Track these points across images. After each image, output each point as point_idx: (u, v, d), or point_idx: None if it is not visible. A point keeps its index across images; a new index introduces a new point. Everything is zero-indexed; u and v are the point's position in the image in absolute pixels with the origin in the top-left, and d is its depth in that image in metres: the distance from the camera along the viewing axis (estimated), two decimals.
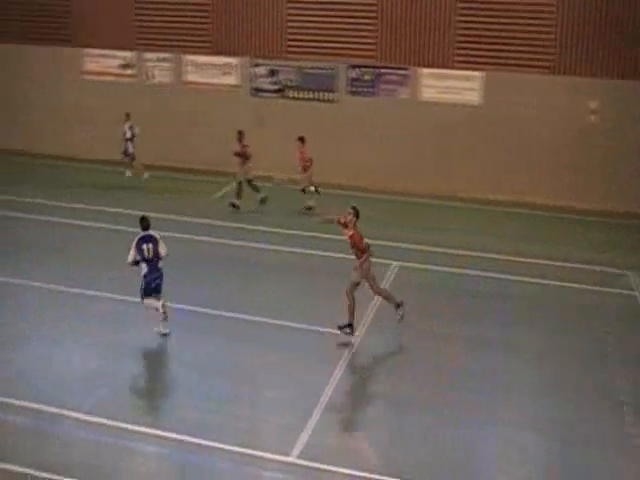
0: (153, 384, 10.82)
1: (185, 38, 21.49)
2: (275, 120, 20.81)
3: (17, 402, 9.93)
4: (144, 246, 11.79)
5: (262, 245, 15.87)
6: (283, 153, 20.21)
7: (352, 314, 11.90)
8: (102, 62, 22.26)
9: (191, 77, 21.63)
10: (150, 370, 11.17)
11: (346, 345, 11.88)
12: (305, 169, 18.20)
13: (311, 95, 20.74)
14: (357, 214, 11.95)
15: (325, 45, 20.44)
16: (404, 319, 12.36)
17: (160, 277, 11.91)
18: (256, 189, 18.35)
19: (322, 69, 20.57)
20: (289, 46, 20.78)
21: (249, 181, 18.25)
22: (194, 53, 21.50)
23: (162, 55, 21.80)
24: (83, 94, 22.13)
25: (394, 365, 11.52)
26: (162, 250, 11.91)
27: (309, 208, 18.25)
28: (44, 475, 8.54)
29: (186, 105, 21.34)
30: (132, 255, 11.77)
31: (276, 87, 21.02)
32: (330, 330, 12.05)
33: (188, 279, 13.78)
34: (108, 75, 22.23)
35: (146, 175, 19.95)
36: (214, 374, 10.88)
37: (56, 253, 15.17)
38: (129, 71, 22.15)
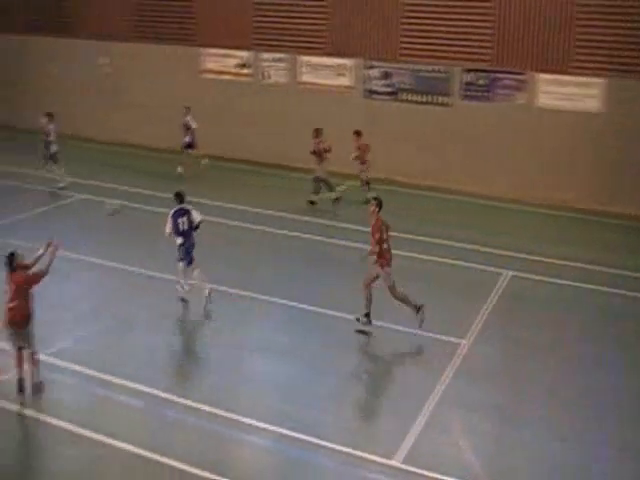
0: (261, 380, 11.01)
1: (301, 39, 21.77)
2: (388, 123, 20.80)
3: (131, 384, 10.39)
4: (179, 220, 12.72)
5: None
6: (396, 156, 20.23)
7: (369, 305, 11.96)
8: (220, 61, 22.88)
9: (306, 78, 21.91)
10: (260, 365, 11.36)
11: (365, 334, 11.97)
12: (362, 162, 18.64)
13: (425, 98, 20.57)
14: (380, 205, 11.94)
15: (440, 48, 20.24)
16: (512, 333, 12.16)
17: (193, 246, 12.79)
18: (330, 188, 18.55)
19: (436, 72, 20.38)
20: (403, 48, 20.70)
21: (324, 179, 18.48)
22: (309, 54, 21.76)
23: (278, 55, 22.18)
24: (201, 92, 22.78)
25: (501, 376, 11.29)
26: (197, 218, 12.81)
27: (312, 202, 18.35)
28: (156, 457, 8.89)
29: (300, 105, 21.62)
30: (168, 227, 12.79)
31: (389, 90, 20.98)
32: (432, 335, 11.97)
33: (289, 275, 13.98)
34: (226, 74, 22.82)
35: (206, 161, 20.57)
36: (320, 373, 10.99)
37: None
38: (245, 70, 22.66)
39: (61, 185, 19.17)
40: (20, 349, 10.17)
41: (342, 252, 15.52)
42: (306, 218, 17.59)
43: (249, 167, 21.69)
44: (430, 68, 20.41)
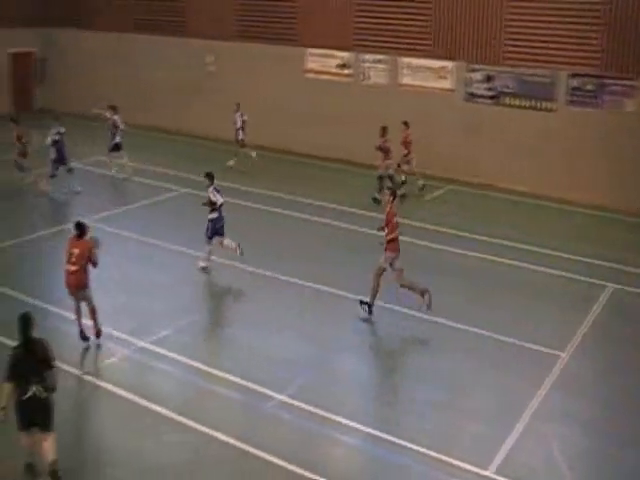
0: (355, 379, 11.07)
1: (402, 40, 21.73)
2: (489, 127, 20.52)
3: (229, 376, 10.63)
4: (218, 195, 14.04)
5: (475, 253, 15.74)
6: (496, 160, 19.93)
7: (374, 296, 12.41)
8: (322, 61, 23.09)
9: (406, 79, 21.85)
10: (354, 365, 11.43)
11: (365, 320, 12.36)
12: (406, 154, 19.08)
13: (528, 103, 20.17)
14: (394, 194, 12.88)
15: (545, 52, 19.79)
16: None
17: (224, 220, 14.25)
18: (380, 187, 18.53)
19: (541, 76, 19.94)
20: (507, 52, 20.36)
21: (390, 177, 18.60)
22: (410, 56, 21.69)
23: (378, 57, 22.21)
24: (302, 92, 23.05)
25: (599, 390, 10.97)
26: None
27: (375, 200, 18.21)
28: (251, 449, 9.09)
29: (399, 107, 21.55)
30: (219, 199, 14.12)
31: (491, 93, 20.68)
32: (532, 346, 11.75)
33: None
34: (327, 74, 23.03)
35: (254, 154, 21.30)
36: (414, 377, 10.96)
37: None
38: (346, 71, 22.79)
39: (124, 174, 20.16)
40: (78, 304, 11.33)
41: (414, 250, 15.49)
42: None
43: (345, 167, 21.83)
44: (534, 72, 19.99)
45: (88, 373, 10.61)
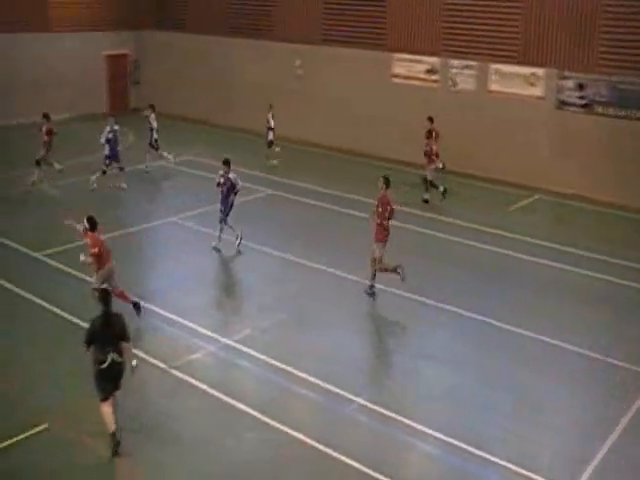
0: (435, 386, 11.01)
1: (491, 46, 21.43)
2: (580, 136, 20.01)
3: (310, 378, 10.73)
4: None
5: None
6: (589, 171, 19.38)
7: (395, 270, 13.18)
8: (409, 67, 23.03)
9: (495, 86, 21.55)
10: (434, 372, 11.37)
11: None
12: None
13: (623, 112, 19.56)
14: (387, 182, 13.26)
15: None
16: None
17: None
18: (435, 187, 19.10)
19: (637, 85, 19.31)
20: (601, 59, 19.80)
21: (429, 180, 19.10)
22: (500, 62, 21.38)
23: (467, 62, 21.98)
24: (389, 96, 23.04)
25: None
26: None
27: (426, 201, 19.03)
28: (329, 451, 9.16)
29: (488, 114, 21.32)
30: (240, 183, 15.43)
31: (583, 102, 20.17)
32: (624, 364, 11.41)
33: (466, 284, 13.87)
34: (414, 79, 22.95)
35: (278, 148, 21.98)
36: (496, 387, 10.82)
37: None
38: (433, 77, 22.66)
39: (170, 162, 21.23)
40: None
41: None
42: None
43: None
44: (630, 80, 19.38)
45: (174, 367, 10.91)
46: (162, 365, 10.94)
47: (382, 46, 23.39)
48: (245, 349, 11.49)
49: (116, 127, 19.31)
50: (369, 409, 10.09)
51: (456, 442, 9.42)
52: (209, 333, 11.93)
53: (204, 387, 10.47)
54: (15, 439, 9.15)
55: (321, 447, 9.24)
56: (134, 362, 9.14)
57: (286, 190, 19.58)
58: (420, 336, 12.36)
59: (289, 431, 9.55)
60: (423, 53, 22.68)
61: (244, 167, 21.31)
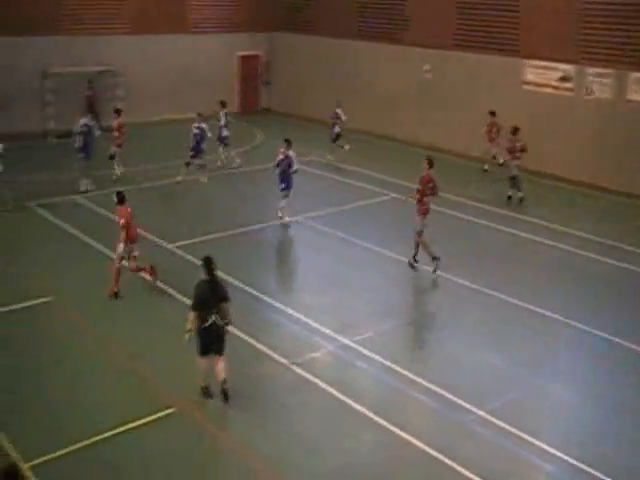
0: (560, 404, 10.72)
1: (632, 53, 20.54)
2: None
3: (431, 385, 10.73)
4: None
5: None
6: None
7: (429, 251, 14.40)
8: (542, 74, 22.43)
9: (635, 95, 20.63)
10: (561, 391, 11.05)
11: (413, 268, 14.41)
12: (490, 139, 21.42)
13: None
14: (430, 163, 14.48)
15: None
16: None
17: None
18: (519, 187, 19.32)
19: None
20: None
21: (513, 177, 19.28)
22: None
23: (605, 71, 21.17)
24: (520, 103, 22.54)
25: None
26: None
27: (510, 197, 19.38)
28: (443, 458, 9.14)
29: (625, 124, 20.43)
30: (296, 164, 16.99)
31: None
32: None
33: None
34: (546, 87, 22.33)
35: (347, 147, 22.63)
36: (622, 414, 10.41)
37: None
38: (567, 84, 21.97)
39: (235, 165, 21.86)
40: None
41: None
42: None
43: (557, 183, 21.17)
44: None
45: (295, 363, 11.18)
46: (284, 361, 11.24)
47: (514, 52, 22.87)
48: (365, 351, 11.61)
49: (203, 125, 20.04)
50: (489, 422, 9.94)
51: (582, 465, 9.07)
52: (330, 332, 12.14)
53: (323, 385, 10.67)
54: (144, 420, 9.67)
55: (436, 454, 9.21)
56: (229, 318, 10.06)
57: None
58: (549, 352, 12.02)
59: (405, 435, 9.58)
60: (557, 60, 22.03)
61: (369, 170, 21.57)
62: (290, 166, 17.07)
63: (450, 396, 10.45)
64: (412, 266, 14.65)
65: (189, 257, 14.73)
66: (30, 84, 24.80)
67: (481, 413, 10.10)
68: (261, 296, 13.37)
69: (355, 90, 27.12)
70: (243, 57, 30.24)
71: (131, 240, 13.25)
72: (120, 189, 13.58)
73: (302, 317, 12.62)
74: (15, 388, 10.42)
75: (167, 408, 9.93)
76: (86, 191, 19.04)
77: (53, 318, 12.47)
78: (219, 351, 10.05)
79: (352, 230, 16.47)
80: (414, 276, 14.56)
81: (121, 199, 13.27)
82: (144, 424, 9.60)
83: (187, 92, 27.67)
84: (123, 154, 20.24)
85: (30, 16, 24.56)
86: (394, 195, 19.43)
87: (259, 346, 11.62)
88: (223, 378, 10.11)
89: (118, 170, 20.19)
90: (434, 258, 14.40)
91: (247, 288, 13.63)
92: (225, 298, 10.03)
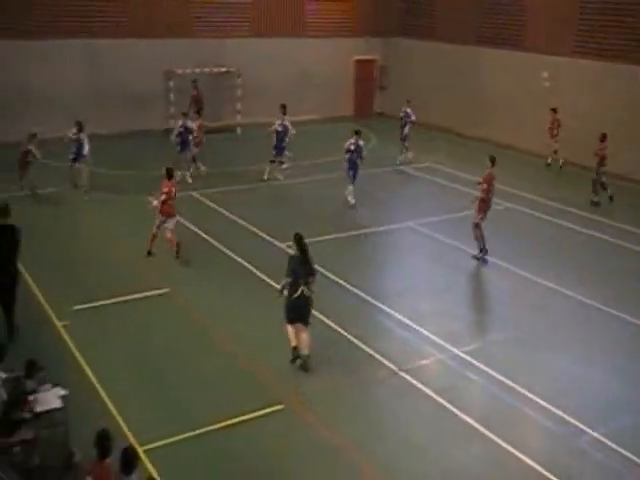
0: None
1: None
2: None
3: (542, 401, 10.44)
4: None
5: None
6: None
7: (482, 242, 15.18)
8: None
9: None
10: None
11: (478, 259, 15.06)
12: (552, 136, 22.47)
13: None
14: (493, 160, 15.11)
15: None
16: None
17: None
18: (604, 187, 19.42)
19: None
20: None
21: (602, 182, 19.42)
22: None
23: None
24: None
25: None
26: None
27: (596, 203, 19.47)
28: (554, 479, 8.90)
29: None
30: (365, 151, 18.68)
31: None
32: None
33: None
34: None
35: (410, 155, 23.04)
36: None
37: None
38: None
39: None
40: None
41: None
42: None
43: None
44: None
45: (404, 370, 11.14)
46: (392, 366, 11.22)
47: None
48: (475, 361, 11.43)
49: (287, 123, 20.23)
50: (603, 444, 9.59)
51: None
52: (440, 341, 12.02)
53: (431, 393, 10.59)
54: (254, 414, 9.89)
55: (546, 473, 8.97)
56: (314, 288, 10.98)
57: (524, 204, 19.13)
58: None
59: (513, 450, 9.38)
60: None
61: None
62: (360, 155, 18.40)
63: (562, 414, 10.16)
64: (481, 259, 15.24)
65: None
66: (155, 84, 25.89)
67: (595, 435, 9.77)
68: (371, 300, 13.40)
69: (472, 96, 26.74)
70: (359, 61, 30.41)
71: (165, 214, 14.71)
72: (170, 166, 15.25)
73: (412, 323, 12.57)
74: (131, 375, 10.91)
75: (276, 404, 10.12)
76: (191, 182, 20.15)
77: (169, 309, 12.95)
78: (305, 321, 11.01)
79: (466, 239, 16.22)
80: (528, 289, 14.20)
81: (169, 174, 14.87)
82: (254, 418, 9.83)
83: (304, 94, 28.12)
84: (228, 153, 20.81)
85: (156, 20, 25.71)
86: (508, 205, 19.04)
87: (368, 350, 11.65)
88: (306, 354, 10.99)
89: (202, 167, 20.83)
90: (482, 249, 15.20)
91: (357, 291, 13.71)
92: (313, 273, 10.96)
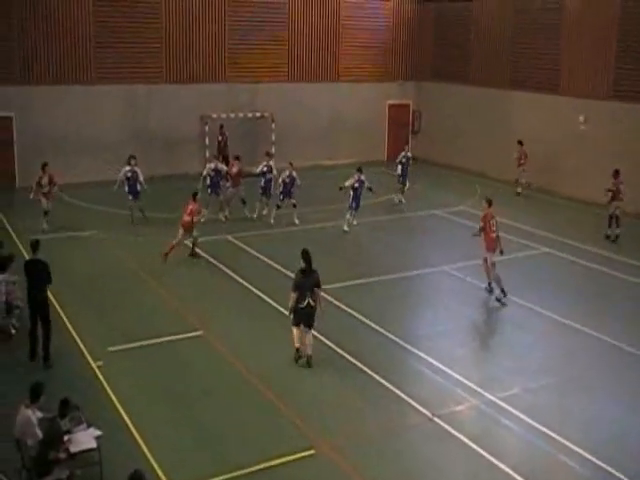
0: None
1: None
2: None
3: (581, 450, 10.23)
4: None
5: None
6: None
7: (499, 283, 15.37)
8: None
9: None
10: None
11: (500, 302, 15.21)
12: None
13: None
14: (489, 202, 15.81)
15: None
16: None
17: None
18: (617, 224, 19.82)
19: None
20: None
21: (616, 217, 19.79)
22: None
23: None
24: None
25: None
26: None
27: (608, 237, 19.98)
28: None
29: None
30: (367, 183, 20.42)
31: None
32: None
33: None
34: None
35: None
36: None
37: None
38: None
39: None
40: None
41: None
42: None
43: None
44: None
45: (437, 415, 10.99)
46: (425, 411, 11.09)
47: None
48: (510, 408, 11.24)
49: (294, 174, 20.51)
50: None
51: None
52: (474, 386, 11.86)
53: (465, 440, 10.41)
54: (283, 459, 9.81)
55: None
56: (322, 304, 12.40)
57: (562, 249, 18.98)
58: None
59: None
60: None
61: (518, 222, 21.07)
62: (361, 189, 20.20)
63: (599, 462, 9.92)
64: (498, 300, 15.42)
65: (335, 302, 14.98)
66: (190, 129, 26.40)
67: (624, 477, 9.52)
68: (404, 344, 13.32)
69: (504, 140, 26.76)
70: (393, 106, 30.71)
71: (184, 228, 17.25)
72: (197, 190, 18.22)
73: (445, 368, 12.44)
74: (165, 416, 10.94)
75: (308, 449, 10.04)
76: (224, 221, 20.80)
77: (203, 351, 13.01)
78: (309, 325, 12.29)
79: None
80: (564, 334, 14.01)
81: (194, 196, 17.61)
82: (286, 462, 9.76)
83: (337, 139, 28.41)
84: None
85: (193, 66, 26.38)
86: (545, 249, 18.90)
87: (401, 394, 11.54)
88: (309, 354, 12.34)
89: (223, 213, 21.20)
90: (502, 290, 15.37)
91: (390, 335, 13.65)
92: (317, 284, 12.20)
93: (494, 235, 15.51)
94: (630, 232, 20.53)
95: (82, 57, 24.72)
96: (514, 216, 21.67)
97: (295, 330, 12.40)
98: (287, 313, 12.71)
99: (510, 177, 25.59)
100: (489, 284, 15.79)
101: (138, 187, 19.98)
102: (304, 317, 12.22)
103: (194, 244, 17.79)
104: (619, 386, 12.16)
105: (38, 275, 12.23)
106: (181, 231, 17.39)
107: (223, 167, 20.92)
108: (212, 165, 20.55)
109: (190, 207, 17.45)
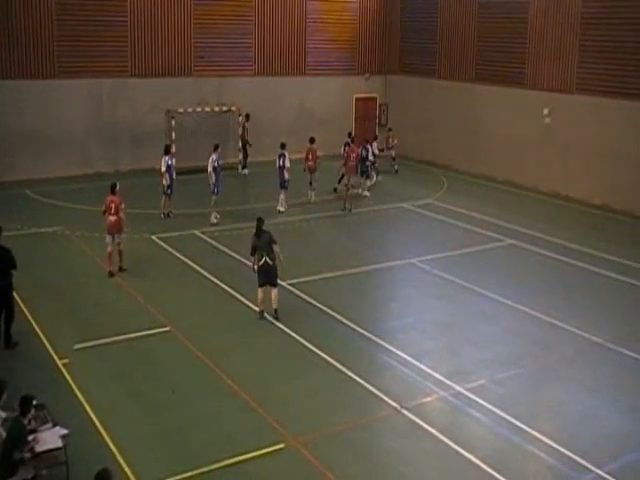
0: None
1: None
2: None
3: (547, 439, 10.34)
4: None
5: None
6: None
7: None
8: None
9: None
10: None
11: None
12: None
13: None
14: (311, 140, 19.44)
15: None
16: None
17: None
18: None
19: None
20: None
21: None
22: None
23: None
24: None
25: None
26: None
27: None
28: None
29: None
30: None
31: None
32: None
33: None
34: None
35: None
36: None
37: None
38: None
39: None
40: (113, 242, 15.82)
41: None
42: None
43: None
44: None
45: (406, 408, 11.03)
46: (394, 404, 11.13)
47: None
48: (478, 399, 11.33)
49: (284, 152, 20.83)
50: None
51: None
52: (443, 378, 11.93)
53: (434, 432, 10.47)
54: (252, 454, 9.77)
55: None
56: (281, 257, 13.73)
57: (528, 241, 19.16)
58: None
59: None
60: None
61: (484, 214, 21.26)
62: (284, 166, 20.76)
63: (566, 451, 10.05)
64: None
65: (304, 295, 15.00)
66: (156, 123, 26.13)
67: (600, 472, 9.64)
68: (372, 337, 13.35)
69: (472, 133, 26.97)
70: (360, 99, 30.72)
71: (112, 231, 15.65)
72: (114, 181, 16.33)
73: (414, 360, 12.50)
74: (132, 413, 10.84)
75: (277, 444, 10.01)
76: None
77: (170, 346, 12.91)
78: (273, 284, 13.66)
79: (467, 275, 16.24)
80: (531, 326, 14.15)
81: (113, 189, 15.78)
82: (255, 457, 9.73)
83: (305, 133, 28.30)
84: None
85: (158, 60, 26.11)
86: (510, 241, 19.08)
87: (369, 387, 11.57)
88: (275, 307, 13.63)
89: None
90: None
91: (358, 328, 13.67)
92: (272, 241, 13.52)
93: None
94: (593, 224, 20.84)
95: (46, 51, 24.30)
96: (480, 208, 21.86)
97: (260, 291, 13.63)
98: (254, 307, 13.88)
99: (476, 170, 25.78)
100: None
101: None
102: (267, 276, 13.53)
103: (121, 253, 16.00)
104: (589, 378, 12.26)
105: (1, 261, 12.26)
106: (109, 237, 15.69)
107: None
108: (215, 156, 20.02)
109: (113, 204, 15.52)
